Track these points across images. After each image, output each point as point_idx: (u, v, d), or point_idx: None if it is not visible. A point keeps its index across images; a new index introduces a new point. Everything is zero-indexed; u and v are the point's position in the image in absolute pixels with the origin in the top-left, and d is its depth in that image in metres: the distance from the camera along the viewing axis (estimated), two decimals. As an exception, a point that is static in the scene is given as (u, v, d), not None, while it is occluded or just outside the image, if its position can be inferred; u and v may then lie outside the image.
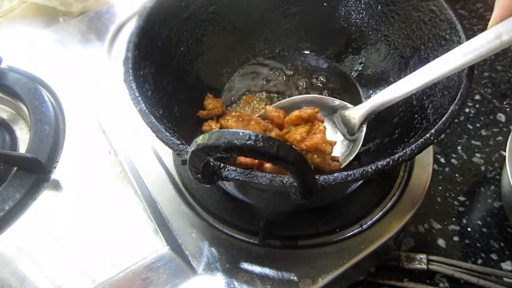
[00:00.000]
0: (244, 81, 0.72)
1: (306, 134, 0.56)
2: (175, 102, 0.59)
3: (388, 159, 0.43)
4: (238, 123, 0.62)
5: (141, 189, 0.63)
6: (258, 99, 0.69)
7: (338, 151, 0.60)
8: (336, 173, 0.42)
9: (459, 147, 0.86)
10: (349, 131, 0.60)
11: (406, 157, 0.43)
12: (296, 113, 0.57)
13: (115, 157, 0.67)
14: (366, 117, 0.57)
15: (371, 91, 0.68)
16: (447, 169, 0.83)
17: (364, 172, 0.42)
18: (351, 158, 0.57)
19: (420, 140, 0.44)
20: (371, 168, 0.42)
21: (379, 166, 0.42)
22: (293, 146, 0.55)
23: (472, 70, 0.50)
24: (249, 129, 0.55)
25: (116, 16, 0.91)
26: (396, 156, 0.43)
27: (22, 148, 0.70)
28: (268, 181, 0.41)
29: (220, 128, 0.62)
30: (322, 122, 0.57)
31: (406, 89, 0.52)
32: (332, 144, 0.56)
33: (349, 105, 0.61)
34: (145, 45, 0.57)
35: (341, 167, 0.57)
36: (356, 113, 0.58)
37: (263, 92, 0.70)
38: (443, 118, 0.46)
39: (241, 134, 0.33)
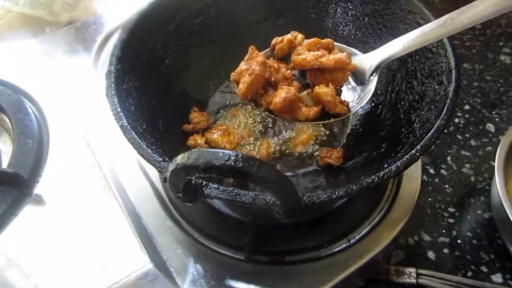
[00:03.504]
0: (231, 94, 0.71)
1: (326, 54, 0.55)
2: (160, 116, 0.59)
3: (373, 176, 0.42)
4: (224, 136, 0.61)
5: (126, 204, 0.62)
6: (244, 112, 0.68)
7: (347, 98, 0.58)
8: (320, 191, 0.41)
9: (448, 158, 0.86)
10: (359, 79, 0.58)
11: (392, 174, 0.43)
12: (315, 38, 0.57)
13: (99, 171, 0.66)
14: (378, 66, 0.55)
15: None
16: (436, 179, 0.83)
17: (348, 190, 0.41)
18: (361, 106, 0.56)
19: (406, 156, 0.44)
20: (355, 185, 0.41)
21: (364, 184, 0.41)
22: (308, 62, 0.55)
23: (458, 85, 0.49)
24: (251, 67, 0.53)
25: (103, 27, 0.90)
26: (381, 173, 0.42)
27: (5, 160, 0.69)
28: (251, 200, 0.41)
29: (206, 141, 0.62)
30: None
31: (417, 41, 0.51)
32: (354, 67, 0.55)
33: (358, 52, 0.59)
34: (129, 58, 0.56)
35: (350, 113, 0.56)
36: (367, 60, 0.56)
37: (250, 105, 0.69)
38: (429, 134, 0.45)
39: (220, 154, 0.33)
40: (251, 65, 0.53)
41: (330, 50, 0.57)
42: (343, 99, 0.57)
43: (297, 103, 0.54)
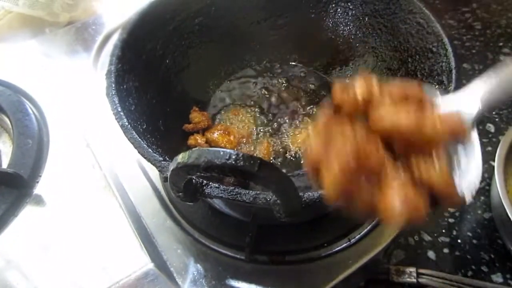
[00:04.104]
0: (231, 93, 0.71)
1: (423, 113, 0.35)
2: (160, 116, 0.59)
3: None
4: (224, 136, 0.61)
5: (126, 203, 0.62)
6: (245, 112, 0.68)
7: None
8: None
9: (448, 158, 0.86)
10: None
11: (392, 173, 0.42)
12: (400, 86, 0.37)
13: (99, 171, 0.66)
14: (475, 119, 0.37)
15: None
16: (437, 179, 0.83)
17: (349, 189, 0.41)
18: (475, 189, 0.35)
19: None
20: (356, 185, 0.41)
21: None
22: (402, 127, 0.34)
23: (458, 85, 0.49)
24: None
25: (103, 27, 0.90)
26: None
27: (5, 161, 0.69)
28: (252, 199, 0.41)
29: (206, 141, 0.62)
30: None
31: None
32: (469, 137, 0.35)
33: (433, 89, 0.42)
34: (129, 58, 0.56)
35: (467, 200, 0.35)
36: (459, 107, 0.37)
37: (250, 105, 0.69)
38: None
39: (221, 153, 0.33)
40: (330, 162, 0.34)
41: (421, 103, 0.37)
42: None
43: None
